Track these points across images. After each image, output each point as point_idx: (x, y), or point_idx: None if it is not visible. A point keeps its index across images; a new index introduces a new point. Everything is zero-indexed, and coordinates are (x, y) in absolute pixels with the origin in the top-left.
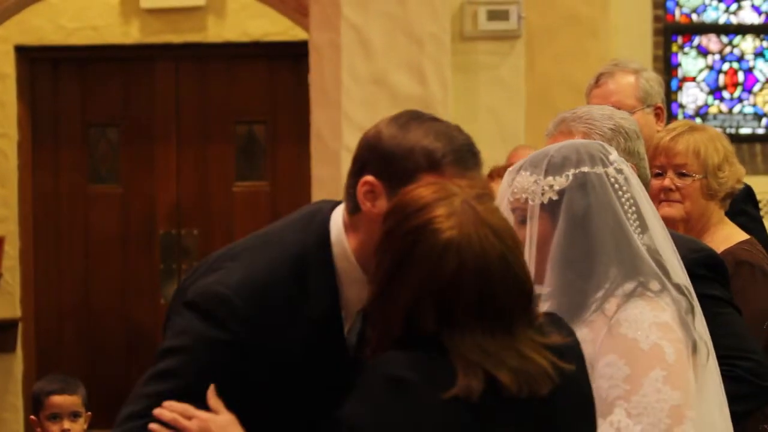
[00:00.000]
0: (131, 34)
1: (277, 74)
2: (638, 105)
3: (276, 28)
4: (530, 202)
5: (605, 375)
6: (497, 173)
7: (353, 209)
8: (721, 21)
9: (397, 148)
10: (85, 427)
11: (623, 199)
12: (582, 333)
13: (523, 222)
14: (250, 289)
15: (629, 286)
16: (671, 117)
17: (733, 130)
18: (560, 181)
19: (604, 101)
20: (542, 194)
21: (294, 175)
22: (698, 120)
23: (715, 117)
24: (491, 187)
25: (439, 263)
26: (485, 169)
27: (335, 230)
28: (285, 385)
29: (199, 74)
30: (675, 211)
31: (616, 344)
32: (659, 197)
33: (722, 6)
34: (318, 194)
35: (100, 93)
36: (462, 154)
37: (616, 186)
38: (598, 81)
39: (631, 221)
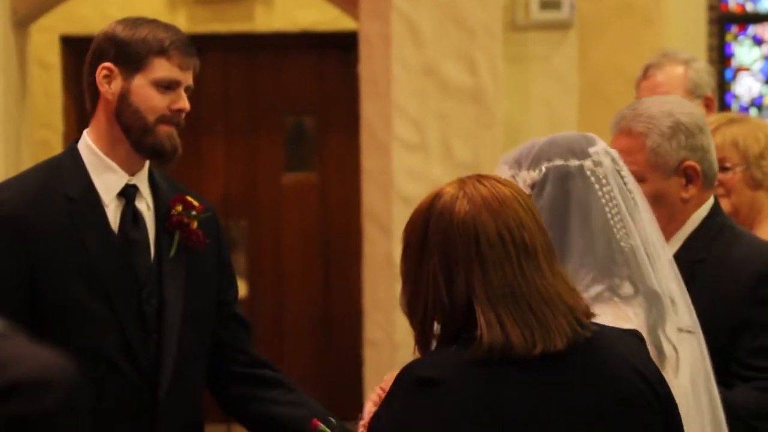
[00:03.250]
0: (178, 23)
1: (326, 64)
2: (687, 96)
3: (325, 17)
4: None
5: None
6: None
7: (92, 105)
8: None
9: (132, 38)
10: None
11: (600, 193)
12: None
13: None
14: (5, 184)
15: (597, 288)
16: (725, 107)
17: None
18: (533, 175)
19: (652, 93)
20: None
21: (343, 167)
22: (753, 111)
23: None
24: None
25: (452, 210)
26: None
27: (82, 138)
28: (61, 261)
29: (247, 64)
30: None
31: None
32: None
33: None
34: (368, 185)
35: None
36: (184, 44)
37: (592, 179)
38: (646, 73)
39: (611, 216)
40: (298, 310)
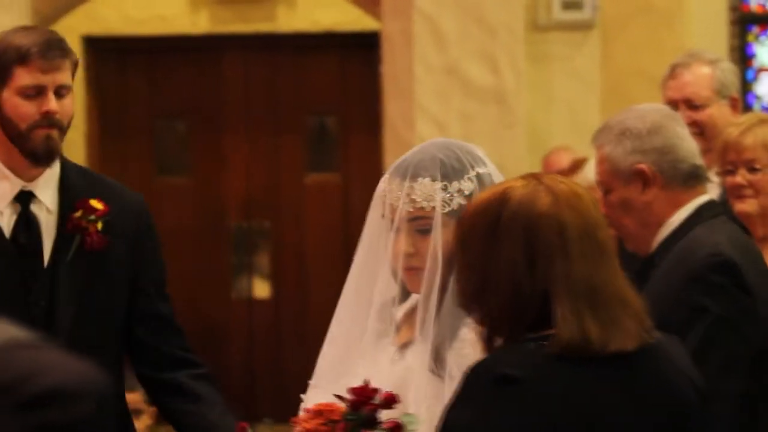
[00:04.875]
0: (200, 23)
1: (348, 64)
2: (714, 96)
3: (347, 17)
4: (438, 210)
5: None
6: (578, 165)
7: None
8: None
9: None
10: (150, 422)
11: None
12: (462, 332)
13: (425, 232)
14: None
15: None
16: (747, 108)
17: None
18: (467, 186)
19: (679, 93)
20: (451, 200)
21: (366, 167)
22: None
23: None
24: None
25: (533, 201)
26: (564, 162)
27: None
28: None
29: (269, 64)
30: (749, 206)
31: None
32: (733, 194)
33: None
34: None
35: (168, 84)
36: (45, 47)
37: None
38: (673, 72)
39: None
40: (321, 311)
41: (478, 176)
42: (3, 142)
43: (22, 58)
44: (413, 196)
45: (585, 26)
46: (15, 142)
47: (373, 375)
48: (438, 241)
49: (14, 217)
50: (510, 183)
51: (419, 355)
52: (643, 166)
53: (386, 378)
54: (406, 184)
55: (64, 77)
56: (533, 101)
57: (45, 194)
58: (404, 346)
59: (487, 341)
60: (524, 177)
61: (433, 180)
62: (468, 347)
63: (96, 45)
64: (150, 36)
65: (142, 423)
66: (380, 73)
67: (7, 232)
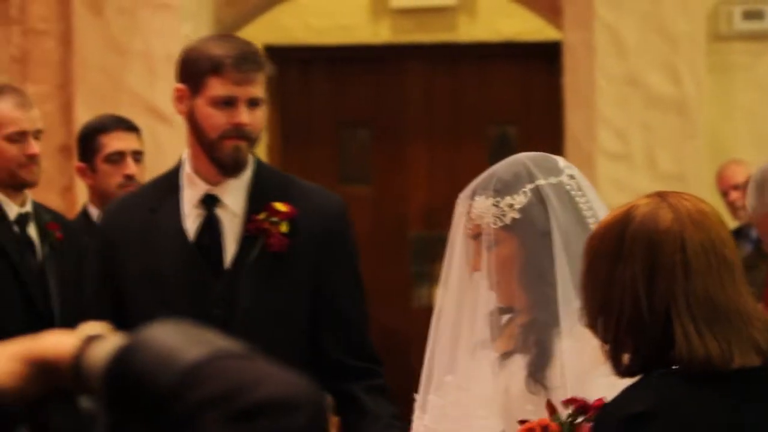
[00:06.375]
0: (381, 33)
1: (530, 74)
2: None
3: (528, 27)
4: (492, 226)
5: (608, 383)
6: None
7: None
8: None
9: (190, 56)
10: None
11: (581, 205)
12: (566, 344)
13: (489, 247)
14: (120, 196)
15: None
16: None
17: None
18: (519, 199)
19: None
20: (503, 215)
21: None
22: None
23: None
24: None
25: (656, 218)
26: (739, 175)
27: None
28: (133, 269)
29: (451, 74)
30: None
31: None
32: None
33: None
34: None
35: (350, 93)
36: (239, 59)
37: (573, 193)
38: None
39: (591, 225)
40: None
41: (536, 189)
42: (194, 148)
43: (216, 68)
44: (471, 214)
45: (766, 36)
46: (205, 150)
47: (478, 381)
48: (497, 254)
49: (199, 220)
50: (635, 202)
51: (514, 368)
52: None
53: (490, 385)
54: (468, 202)
55: (256, 90)
56: (714, 112)
57: (231, 198)
58: (504, 356)
59: (614, 359)
60: (649, 195)
61: (487, 197)
62: (575, 358)
63: (278, 54)
64: (332, 45)
65: None
66: (562, 83)
67: (192, 234)
